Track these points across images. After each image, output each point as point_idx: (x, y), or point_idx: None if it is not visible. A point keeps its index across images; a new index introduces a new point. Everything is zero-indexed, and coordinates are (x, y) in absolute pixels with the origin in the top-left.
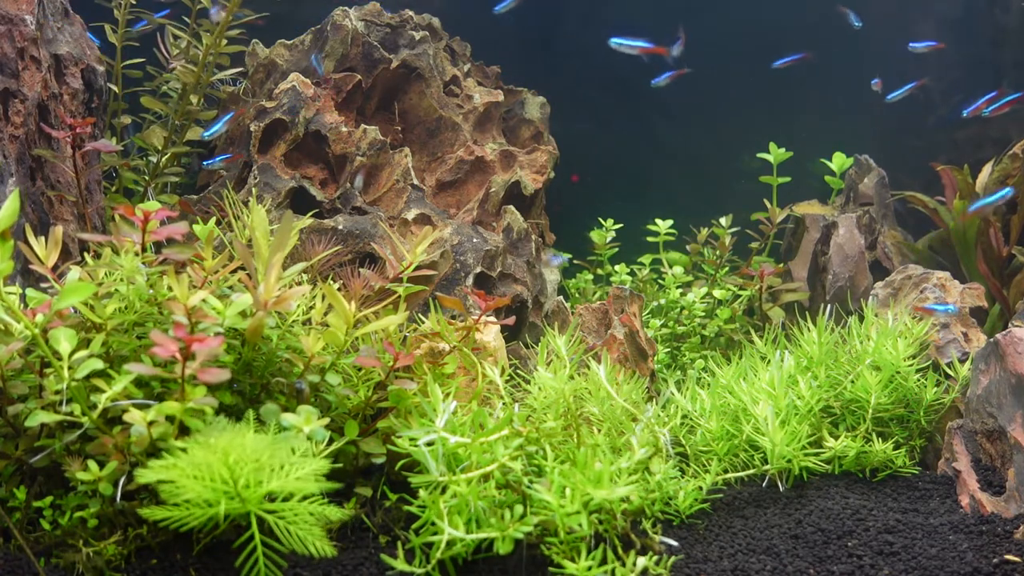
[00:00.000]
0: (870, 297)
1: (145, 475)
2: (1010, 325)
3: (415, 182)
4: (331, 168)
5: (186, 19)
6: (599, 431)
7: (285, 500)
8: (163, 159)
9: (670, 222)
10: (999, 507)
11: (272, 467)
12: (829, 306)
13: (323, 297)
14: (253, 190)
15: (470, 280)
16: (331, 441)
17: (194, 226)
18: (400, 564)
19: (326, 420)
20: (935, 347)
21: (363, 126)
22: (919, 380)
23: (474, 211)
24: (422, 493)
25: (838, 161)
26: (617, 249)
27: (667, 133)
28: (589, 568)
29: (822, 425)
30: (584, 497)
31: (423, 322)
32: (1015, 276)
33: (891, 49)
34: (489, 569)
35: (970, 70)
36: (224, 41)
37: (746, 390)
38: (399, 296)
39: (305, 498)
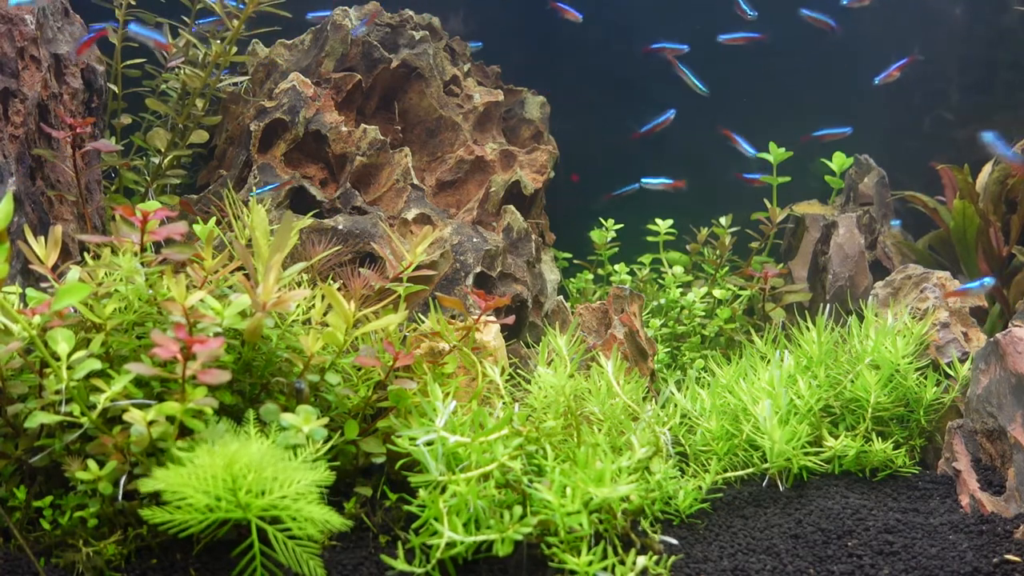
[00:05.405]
0: (870, 297)
1: (148, 484)
2: (1010, 325)
3: (415, 182)
4: (331, 168)
5: (185, 18)
6: (599, 431)
7: (285, 510)
8: (165, 160)
9: (670, 222)
10: (999, 507)
11: (275, 476)
12: (829, 306)
13: (323, 297)
14: (253, 189)
15: (470, 280)
16: (331, 441)
17: (194, 226)
18: (400, 564)
19: (326, 420)
20: (935, 347)
21: (363, 126)
22: (919, 379)
23: (474, 211)
24: (422, 493)
25: (838, 161)
26: (617, 249)
27: (667, 132)
28: (590, 563)
29: (822, 424)
30: (585, 496)
31: (423, 322)
32: (1015, 276)
33: (891, 50)
34: (489, 568)
35: (969, 70)
36: (234, 49)
37: (746, 390)
38: (399, 296)
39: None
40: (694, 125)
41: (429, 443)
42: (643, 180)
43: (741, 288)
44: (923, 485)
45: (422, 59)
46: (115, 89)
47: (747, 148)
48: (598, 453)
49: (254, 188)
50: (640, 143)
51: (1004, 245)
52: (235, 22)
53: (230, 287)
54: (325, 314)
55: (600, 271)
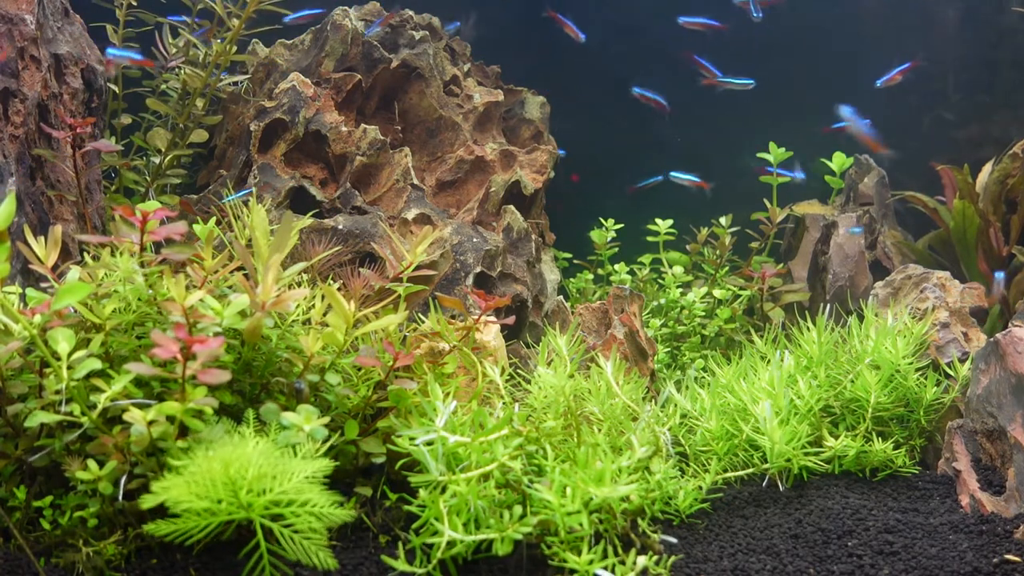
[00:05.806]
0: (870, 297)
1: (148, 500)
2: (1010, 325)
3: (415, 182)
4: (331, 168)
5: (186, 18)
6: (599, 431)
7: (288, 505)
8: (165, 160)
9: (670, 222)
10: (999, 507)
11: (275, 475)
12: (829, 306)
13: (323, 297)
14: (253, 189)
15: (470, 280)
16: (331, 440)
17: (194, 226)
18: (401, 564)
19: (326, 420)
20: (935, 347)
21: (363, 126)
22: (919, 379)
23: (474, 211)
24: (422, 493)
25: (838, 161)
26: (617, 249)
27: (667, 133)
28: (590, 562)
29: (822, 424)
30: (585, 496)
31: (423, 322)
32: (1015, 276)
33: (891, 49)
34: (489, 568)
35: (969, 70)
36: (234, 49)
37: (746, 390)
38: (399, 296)
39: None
40: (694, 125)
41: (429, 443)
42: (672, 174)
43: (741, 288)
44: (923, 485)
45: (422, 59)
46: (115, 89)
47: (797, 175)
48: (598, 453)
49: (254, 189)
50: (640, 144)
51: (1004, 245)
52: (235, 22)
53: (230, 287)
54: (325, 314)
55: (600, 271)
